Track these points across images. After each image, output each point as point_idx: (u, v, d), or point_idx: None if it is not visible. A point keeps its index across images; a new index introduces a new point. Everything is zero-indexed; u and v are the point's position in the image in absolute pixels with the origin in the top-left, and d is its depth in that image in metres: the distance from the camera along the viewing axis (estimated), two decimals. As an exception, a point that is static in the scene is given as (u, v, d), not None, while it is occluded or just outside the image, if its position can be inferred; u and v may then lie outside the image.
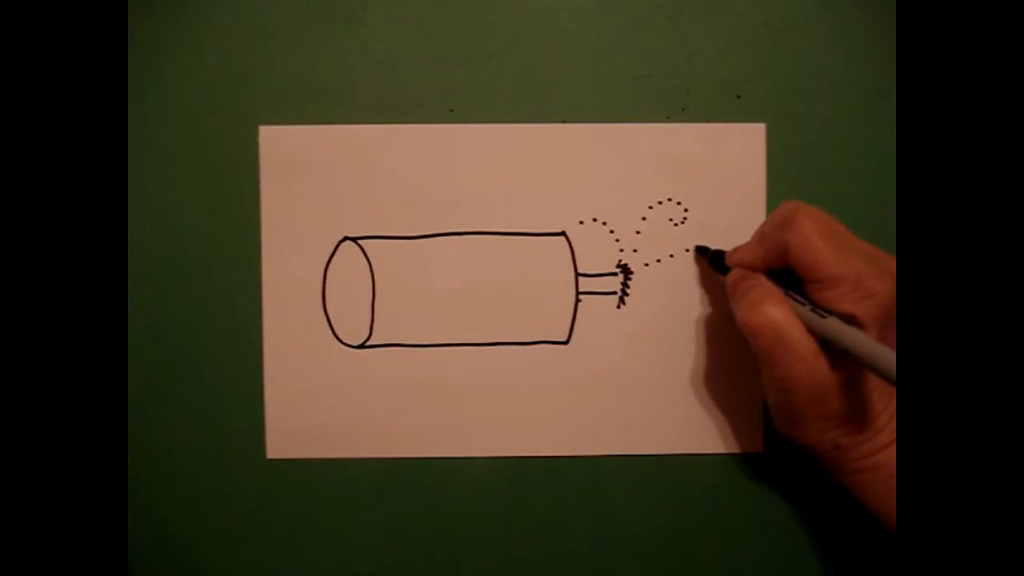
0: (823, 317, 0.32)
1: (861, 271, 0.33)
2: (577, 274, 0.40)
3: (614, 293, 0.40)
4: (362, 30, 0.39)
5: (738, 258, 0.37)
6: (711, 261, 0.39)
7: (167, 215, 0.39)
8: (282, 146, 0.39)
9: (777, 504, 0.40)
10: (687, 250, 0.40)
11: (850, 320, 0.32)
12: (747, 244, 0.37)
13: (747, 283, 0.35)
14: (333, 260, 0.40)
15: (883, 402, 0.34)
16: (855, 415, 0.33)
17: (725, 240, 0.39)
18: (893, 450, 0.33)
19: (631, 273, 0.40)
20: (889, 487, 0.33)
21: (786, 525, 0.40)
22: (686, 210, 0.40)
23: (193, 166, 0.39)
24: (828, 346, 0.32)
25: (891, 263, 0.34)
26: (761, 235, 0.36)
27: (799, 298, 0.34)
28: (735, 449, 0.40)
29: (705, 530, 0.40)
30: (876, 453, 0.33)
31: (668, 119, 0.40)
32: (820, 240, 0.33)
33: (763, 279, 0.35)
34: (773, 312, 0.33)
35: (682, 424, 0.40)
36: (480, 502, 0.40)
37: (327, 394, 0.40)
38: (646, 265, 0.40)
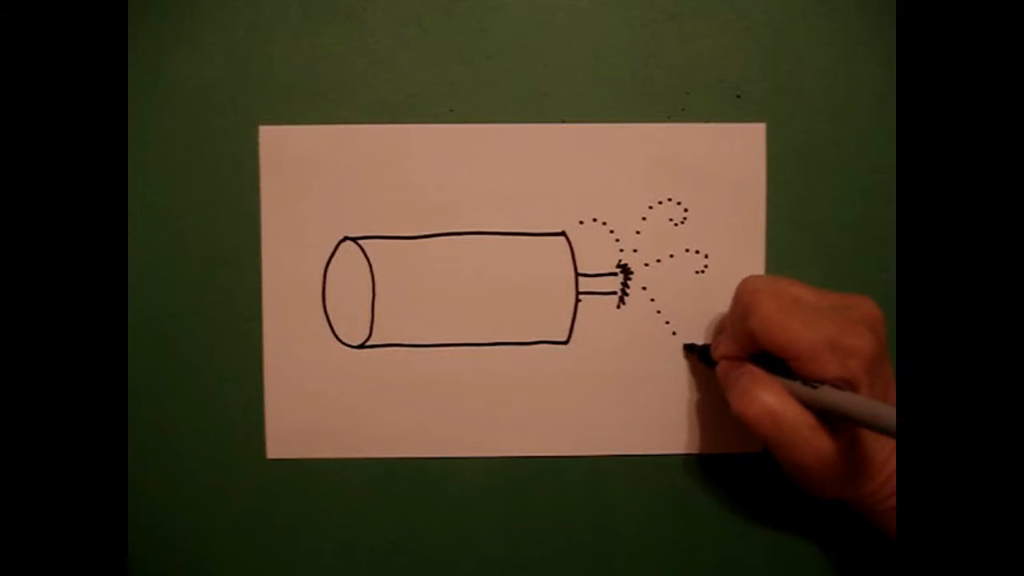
0: (814, 388, 0.32)
1: (833, 334, 0.32)
2: (577, 274, 0.40)
3: (614, 293, 0.40)
4: (362, 30, 0.39)
5: (721, 352, 0.37)
6: (700, 356, 0.39)
7: (167, 215, 0.39)
8: (282, 146, 0.39)
9: (776, 504, 0.40)
10: (687, 250, 0.40)
11: (839, 384, 0.32)
12: (723, 339, 0.37)
13: (735, 373, 0.35)
14: (333, 260, 0.40)
15: (889, 447, 0.34)
16: (867, 466, 0.34)
17: (726, 241, 0.39)
18: None
19: (631, 273, 0.40)
20: None
21: (786, 525, 0.40)
22: (686, 210, 0.40)
23: (193, 166, 0.39)
24: (825, 414, 0.32)
25: (864, 305, 0.34)
26: (731, 330, 0.36)
27: (787, 375, 0.34)
28: (734, 449, 0.40)
29: (704, 530, 0.40)
30: (895, 495, 0.34)
31: (668, 119, 0.40)
32: (782, 316, 0.33)
33: (749, 365, 0.35)
34: (765, 397, 0.33)
35: (682, 424, 0.40)
36: (480, 502, 0.40)
37: (327, 394, 0.40)
38: (646, 265, 0.40)
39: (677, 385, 0.40)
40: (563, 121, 0.40)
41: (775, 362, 0.34)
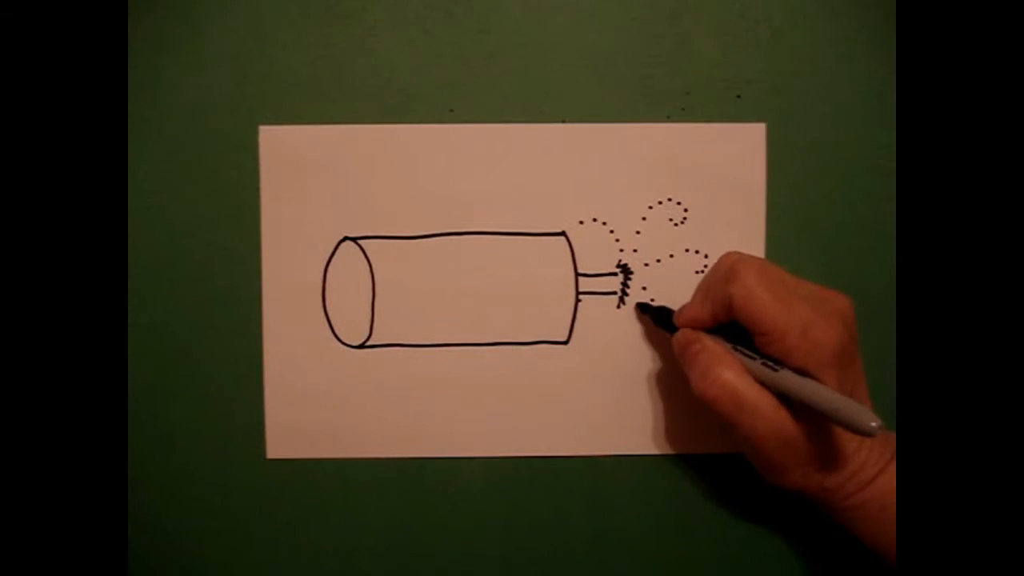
0: (775, 371, 0.32)
1: (807, 322, 0.32)
2: (577, 274, 0.40)
3: (614, 293, 0.40)
4: (362, 30, 0.39)
5: (686, 317, 0.36)
6: (654, 318, 0.39)
7: (167, 215, 0.39)
8: (282, 146, 0.39)
9: (776, 504, 0.40)
10: (687, 250, 0.40)
11: (802, 372, 0.32)
12: (694, 301, 0.37)
13: (693, 348, 0.35)
14: (333, 260, 0.40)
15: (857, 439, 0.33)
16: (832, 456, 0.33)
17: (725, 241, 0.39)
18: (879, 484, 0.33)
19: (631, 273, 0.40)
20: (881, 521, 0.33)
21: (786, 525, 0.40)
22: (686, 210, 0.40)
23: (193, 166, 0.39)
24: (787, 398, 0.32)
25: (838, 301, 0.34)
26: (706, 290, 0.36)
27: (749, 353, 0.34)
28: (734, 449, 0.40)
29: (704, 529, 0.40)
30: (862, 489, 0.33)
31: (668, 119, 0.40)
32: (764, 292, 0.33)
33: (708, 341, 0.35)
34: (725, 376, 0.33)
35: (682, 424, 0.40)
36: (480, 502, 0.40)
37: (327, 394, 0.40)
38: (646, 265, 0.40)
39: (677, 385, 0.40)
40: (563, 121, 0.40)
41: (739, 336, 0.34)
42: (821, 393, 0.30)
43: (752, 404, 0.33)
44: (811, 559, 0.41)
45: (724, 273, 0.35)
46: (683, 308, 0.37)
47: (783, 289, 0.33)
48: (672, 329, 0.37)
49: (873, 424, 0.28)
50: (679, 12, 0.39)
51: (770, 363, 0.33)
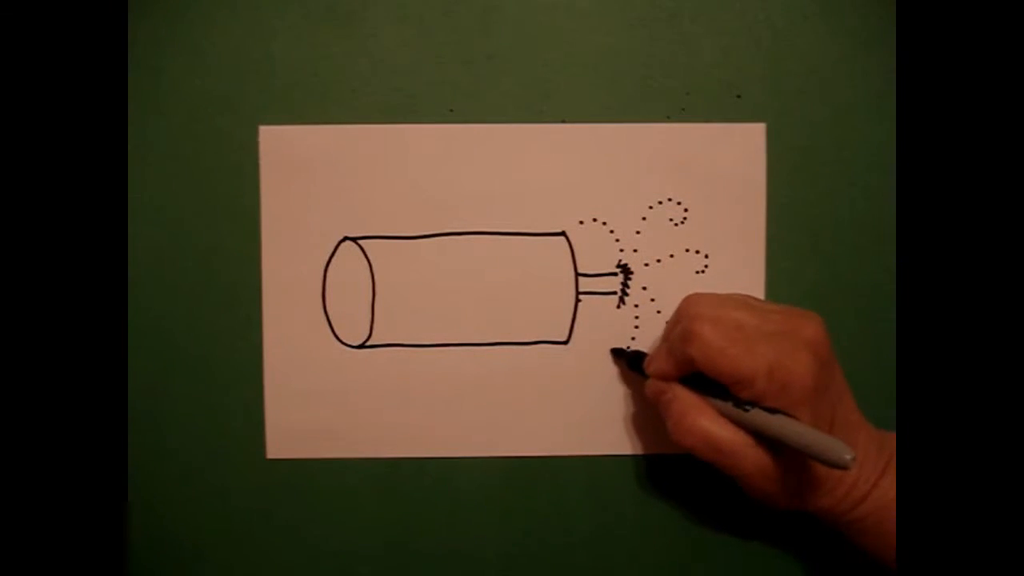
0: (746, 411, 0.32)
1: (772, 364, 0.32)
2: (577, 274, 0.40)
3: (614, 293, 0.40)
4: (362, 30, 0.39)
5: (655, 368, 0.36)
6: (629, 363, 0.39)
7: (167, 215, 0.39)
8: (282, 146, 0.39)
9: (777, 504, 0.40)
10: (687, 250, 0.40)
11: (775, 410, 0.32)
12: (660, 353, 0.36)
13: (665, 397, 0.35)
14: (333, 260, 0.40)
15: None
16: (820, 481, 0.34)
17: (726, 241, 0.39)
18: (874, 497, 0.34)
19: (631, 273, 0.40)
20: (880, 532, 0.34)
21: (784, 525, 0.40)
22: (686, 210, 0.40)
23: (193, 166, 0.39)
24: (760, 434, 0.33)
25: (806, 328, 0.33)
26: (668, 345, 0.36)
27: (720, 397, 0.34)
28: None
29: (704, 529, 0.40)
30: (858, 506, 0.34)
31: (668, 119, 0.40)
32: (723, 346, 0.33)
33: (678, 390, 0.35)
34: (700, 423, 0.33)
35: (682, 424, 0.40)
36: (480, 502, 0.40)
37: (327, 394, 0.40)
38: (646, 265, 0.40)
39: (677, 385, 0.40)
40: (563, 121, 0.40)
41: (710, 382, 0.34)
42: (792, 430, 0.31)
43: (730, 446, 0.33)
44: (810, 558, 0.41)
45: (681, 332, 0.34)
46: (651, 359, 0.37)
47: (742, 335, 0.33)
48: (646, 374, 0.37)
49: (847, 457, 0.28)
50: (679, 12, 0.39)
51: (741, 404, 0.33)
